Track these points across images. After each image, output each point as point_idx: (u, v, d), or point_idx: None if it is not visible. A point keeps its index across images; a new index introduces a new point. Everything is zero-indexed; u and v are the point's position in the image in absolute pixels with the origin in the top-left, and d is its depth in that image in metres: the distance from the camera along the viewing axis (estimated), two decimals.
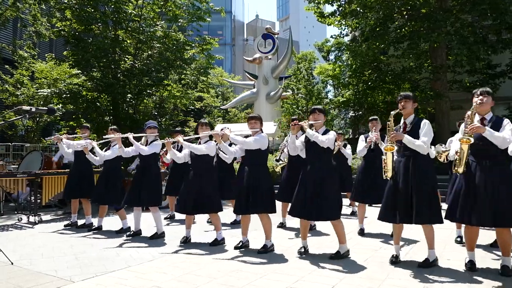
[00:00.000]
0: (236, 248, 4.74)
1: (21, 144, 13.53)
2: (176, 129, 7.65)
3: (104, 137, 6.11)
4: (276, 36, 26.33)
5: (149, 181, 5.53)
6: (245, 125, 5.01)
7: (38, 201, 7.35)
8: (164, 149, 6.93)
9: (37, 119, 13.21)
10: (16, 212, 7.93)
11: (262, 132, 4.66)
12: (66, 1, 11.40)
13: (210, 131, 5.00)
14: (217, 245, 4.94)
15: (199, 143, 5.10)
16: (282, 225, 6.20)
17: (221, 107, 27.76)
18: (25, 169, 8.55)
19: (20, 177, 6.89)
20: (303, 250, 4.43)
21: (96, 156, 6.15)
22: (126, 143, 6.00)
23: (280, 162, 6.21)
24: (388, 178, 3.87)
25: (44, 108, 3.11)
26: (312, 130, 4.26)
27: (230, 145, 5.81)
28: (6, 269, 4.01)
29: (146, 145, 5.66)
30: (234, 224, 6.57)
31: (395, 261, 3.99)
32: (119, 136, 5.62)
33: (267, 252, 4.53)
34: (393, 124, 3.92)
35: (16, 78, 13.44)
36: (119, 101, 11.80)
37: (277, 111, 20.77)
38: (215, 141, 4.96)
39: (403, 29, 14.32)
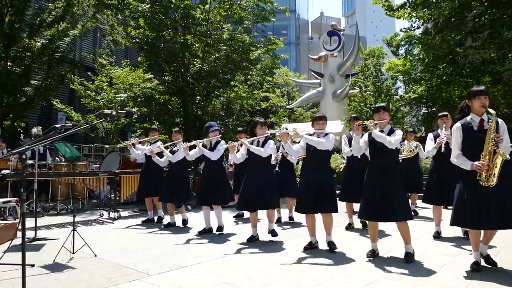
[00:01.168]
0: (305, 249, 4.73)
1: (101, 145, 14.74)
2: (239, 129, 7.81)
3: (170, 143, 6.46)
4: (341, 32, 25.73)
5: (216, 182, 5.71)
6: (309, 125, 4.96)
7: (117, 198, 7.95)
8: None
9: (115, 122, 14.25)
10: (98, 208, 8.64)
11: (328, 133, 4.65)
12: (139, 10, 12.16)
13: (272, 130, 5.06)
14: (274, 235, 5.16)
15: (258, 143, 5.17)
16: (350, 226, 6.08)
17: (286, 107, 27.76)
18: (105, 168, 9.26)
19: (101, 176, 7.49)
20: (373, 252, 4.34)
21: (162, 158, 6.49)
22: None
23: (342, 161, 6.10)
24: (490, 186, 3.53)
25: (123, 111, 3.34)
26: (377, 129, 4.16)
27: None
28: (91, 261, 4.37)
29: (210, 148, 5.85)
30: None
31: (476, 269, 3.75)
32: (186, 145, 5.83)
33: (333, 250, 4.53)
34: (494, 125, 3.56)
35: (96, 84, 14.68)
36: (189, 103, 12.33)
37: (344, 110, 20.28)
38: (279, 140, 4.98)
39: (483, 18, 13.17)
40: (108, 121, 3.39)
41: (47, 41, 12.42)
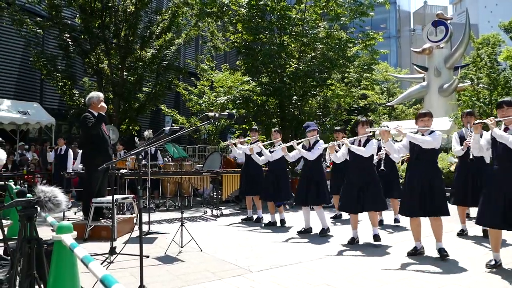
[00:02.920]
0: (410, 254, 4.50)
1: (203, 146, 15.68)
2: (337, 128, 7.62)
3: (268, 142, 6.61)
4: (449, 21, 23.78)
5: (314, 182, 5.70)
6: (412, 123, 4.66)
7: (219, 196, 8.37)
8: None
9: (216, 123, 15.05)
10: (202, 206, 9.20)
11: (434, 130, 4.39)
12: (238, 14, 12.69)
13: (372, 128, 4.95)
14: (377, 240, 5.04)
15: (359, 142, 5.05)
16: (463, 233, 5.64)
17: (386, 104, 26.45)
18: (208, 168, 9.83)
19: (205, 175, 7.96)
20: (494, 263, 3.97)
21: (261, 157, 6.67)
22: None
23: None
24: None
25: (225, 113, 3.52)
26: (500, 127, 3.88)
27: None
28: (197, 255, 4.67)
29: (308, 147, 5.84)
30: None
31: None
32: (284, 146, 5.92)
33: (444, 258, 4.28)
34: None
35: (199, 88, 15.70)
36: (286, 103, 12.45)
37: (452, 105, 18.68)
38: (379, 139, 4.79)
39: None
40: (211, 123, 3.57)
41: (156, 51, 13.67)
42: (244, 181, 7.12)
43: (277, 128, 6.77)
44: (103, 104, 5.81)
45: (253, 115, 13.62)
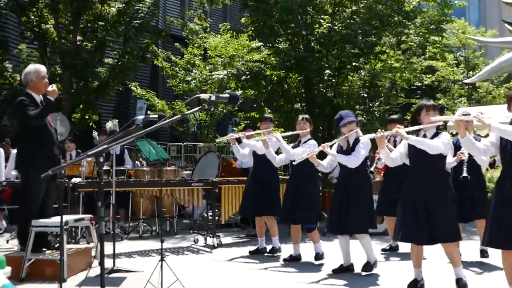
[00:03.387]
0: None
1: (193, 143, 15.75)
2: (392, 117, 7.54)
3: (288, 134, 6.62)
4: None
5: (357, 198, 5.68)
6: (504, 108, 4.54)
7: (217, 218, 8.39)
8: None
9: (212, 111, 15.13)
10: (191, 232, 9.25)
11: None
12: None
13: (441, 117, 4.92)
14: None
15: (424, 136, 5.02)
16: None
17: (464, 81, 26.13)
18: (200, 176, 9.86)
19: (195, 186, 7.99)
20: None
21: (279, 156, 6.66)
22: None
23: None
24: None
25: (225, 95, 3.47)
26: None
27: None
28: None
29: (347, 149, 5.82)
30: None
31: None
32: (313, 154, 5.87)
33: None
34: None
35: (186, 59, 15.74)
36: (314, 80, 12.45)
37: None
38: (453, 133, 4.74)
39: None
40: (205, 109, 3.57)
41: (124, 5, 13.74)
42: (253, 195, 7.10)
43: (306, 116, 6.75)
44: (53, 88, 5.86)
45: (266, 98, 13.64)
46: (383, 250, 7.37)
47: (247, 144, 7.05)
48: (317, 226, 6.68)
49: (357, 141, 5.79)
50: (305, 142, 6.57)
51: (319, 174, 10.10)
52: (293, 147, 6.67)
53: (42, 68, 6.05)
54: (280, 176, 7.73)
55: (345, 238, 5.88)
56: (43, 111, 5.72)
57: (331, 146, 5.93)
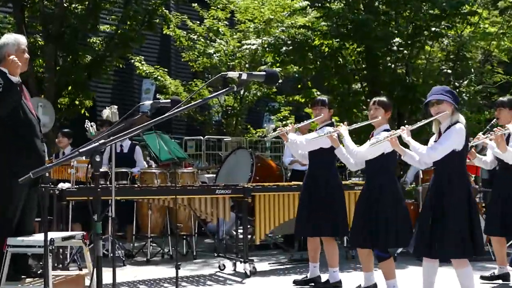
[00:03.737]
0: None
1: (217, 137, 15.75)
2: (502, 99, 7.39)
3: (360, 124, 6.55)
4: None
5: (450, 211, 5.65)
6: None
7: (249, 236, 8.41)
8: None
9: (242, 93, 15.14)
10: (215, 255, 9.29)
11: None
12: None
13: None
14: None
15: None
16: None
17: None
18: (227, 180, 9.89)
19: (220, 195, 8.03)
20: None
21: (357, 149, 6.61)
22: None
23: None
24: None
25: (261, 73, 3.47)
26: None
27: None
28: None
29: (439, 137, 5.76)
30: None
31: None
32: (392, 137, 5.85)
33: None
34: None
35: (207, 25, 15.74)
36: (379, 52, 12.33)
37: None
38: None
39: None
40: (234, 91, 3.60)
41: None
42: (307, 207, 7.11)
43: (381, 99, 6.60)
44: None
45: (313, 76, 13.59)
46: (483, 278, 7.40)
47: (290, 142, 7.05)
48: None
49: (448, 128, 5.72)
50: (379, 134, 6.40)
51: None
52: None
53: (23, 40, 6.09)
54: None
55: (431, 264, 5.84)
56: (12, 92, 5.80)
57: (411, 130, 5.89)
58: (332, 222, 6.97)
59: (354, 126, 7.03)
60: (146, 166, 10.99)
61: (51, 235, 5.62)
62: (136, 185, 8.75)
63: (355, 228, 6.58)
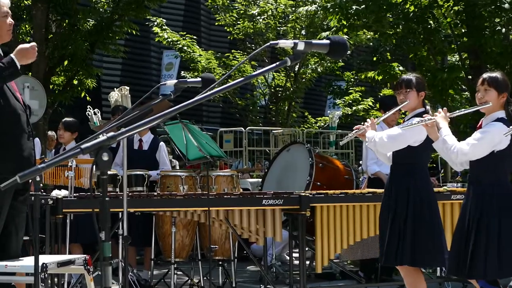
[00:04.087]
0: None
1: (263, 128, 15.80)
2: None
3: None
4: None
5: None
6: None
7: (308, 262, 8.37)
8: None
9: (297, 70, 15.10)
10: (261, 287, 9.30)
11: None
12: None
13: None
14: None
15: None
16: None
17: None
18: (278, 186, 9.92)
19: (268, 206, 8.06)
20: None
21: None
22: None
23: None
24: None
25: (323, 41, 3.47)
26: None
27: None
28: None
29: None
30: None
31: None
32: None
33: None
34: None
35: None
36: (484, 11, 12.21)
37: None
38: None
39: None
40: (287, 66, 3.60)
41: None
42: (391, 224, 7.11)
43: (492, 75, 6.53)
44: (32, 46, 6.01)
45: (395, 46, 13.55)
46: None
47: (369, 141, 7.05)
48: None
49: None
50: (487, 124, 6.34)
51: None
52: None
53: (5, 0, 6.17)
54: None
55: None
56: (4, 70, 5.85)
57: None
58: (422, 248, 6.94)
59: (456, 113, 6.99)
60: (170, 168, 11.03)
61: (44, 259, 5.68)
62: (155, 193, 8.80)
63: (454, 253, 6.58)
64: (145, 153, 10.04)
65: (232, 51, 16.43)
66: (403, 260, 6.75)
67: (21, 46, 5.86)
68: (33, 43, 5.93)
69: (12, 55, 5.78)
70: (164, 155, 10.31)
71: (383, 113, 8.34)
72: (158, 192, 9.13)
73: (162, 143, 10.39)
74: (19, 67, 5.79)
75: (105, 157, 3.05)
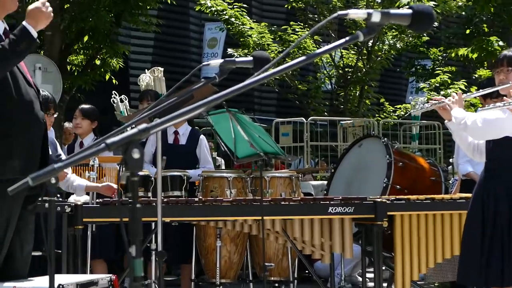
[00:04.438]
0: None
1: (328, 118, 15.85)
2: None
3: None
4: None
5: None
6: None
7: (385, 285, 8.39)
8: None
9: (371, 46, 15.14)
10: None
11: None
12: None
13: None
14: None
15: None
16: None
17: None
18: (347, 191, 9.92)
19: (335, 215, 8.09)
20: None
21: None
22: None
23: None
24: None
25: (403, 10, 3.51)
26: None
27: None
28: None
29: None
30: None
31: None
32: None
33: None
34: None
35: None
36: None
37: None
38: None
39: None
40: (358, 41, 3.63)
41: None
42: (481, 238, 7.12)
43: None
44: (47, 9, 6.07)
45: (494, 14, 13.53)
46: None
47: (455, 121, 7.03)
48: None
49: None
50: None
51: None
52: None
53: None
54: None
55: None
56: (18, 44, 5.90)
57: None
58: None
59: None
60: (213, 167, 11.07)
61: (60, 279, 5.75)
62: (196, 199, 8.85)
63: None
64: (183, 149, 10.06)
65: (291, 23, 16.49)
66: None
67: (29, 7, 5.88)
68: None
69: (24, 22, 5.78)
70: (206, 150, 10.32)
71: (484, 103, 8.29)
72: (200, 197, 9.17)
73: (202, 137, 10.39)
74: (35, 35, 5.79)
75: (136, 155, 3.02)
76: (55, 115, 8.61)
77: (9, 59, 5.70)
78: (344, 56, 15.57)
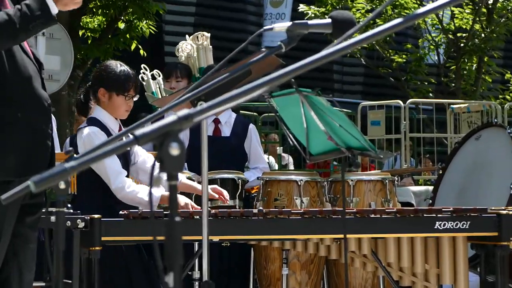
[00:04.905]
0: None
1: (434, 101, 15.94)
2: None
3: None
4: None
5: None
6: None
7: None
8: None
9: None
10: None
11: None
12: None
13: None
14: None
15: None
16: None
17: None
18: (458, 199, 9.96)
19: (445, 233, 8.10)
20: None
21: None
22: None
23: None
24: None
25: None
26: None
27: None
28: None
29: None
30: None
31: None
32: None
33: None
34: None
35: None
36: None
37: None
38: None
39: None
40: None
41: None
42: None
43: None
44: None
45: None
46: None
47: None
48: None
49: None
50: None
51: None
52: None
53: None
54: None
55: None
56: (30, 21, 5.94)
57: None
58: None
59: None
60: (268, 168, 11.12)
61: None
62: (255, 210, 8.88)
63: None
64: (226, 143, 10.03)
65: None
66: None
67: None
68: None
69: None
70: (258, 145, 10.30)
71: None
72: (260, 208, 9.20)
73: (252, 126, 10.34)
74: (54, 13, 5.82)
75: (175, 150, 3.01)
76: (135, 98, 8.62)
77: (17, 37, 5.76)
78: (456, 16, 15.62)
